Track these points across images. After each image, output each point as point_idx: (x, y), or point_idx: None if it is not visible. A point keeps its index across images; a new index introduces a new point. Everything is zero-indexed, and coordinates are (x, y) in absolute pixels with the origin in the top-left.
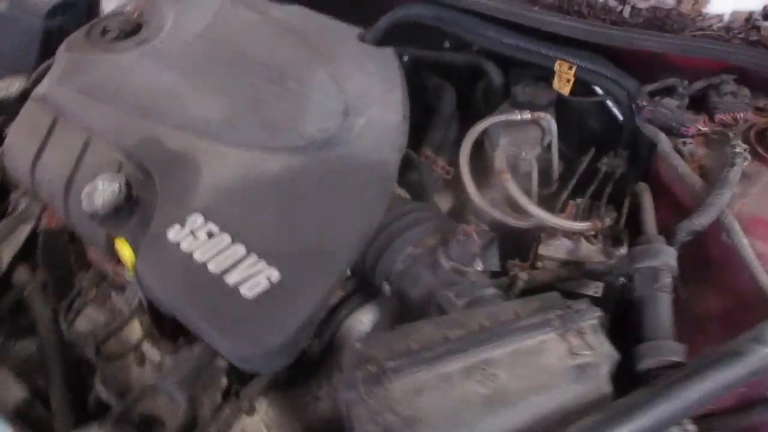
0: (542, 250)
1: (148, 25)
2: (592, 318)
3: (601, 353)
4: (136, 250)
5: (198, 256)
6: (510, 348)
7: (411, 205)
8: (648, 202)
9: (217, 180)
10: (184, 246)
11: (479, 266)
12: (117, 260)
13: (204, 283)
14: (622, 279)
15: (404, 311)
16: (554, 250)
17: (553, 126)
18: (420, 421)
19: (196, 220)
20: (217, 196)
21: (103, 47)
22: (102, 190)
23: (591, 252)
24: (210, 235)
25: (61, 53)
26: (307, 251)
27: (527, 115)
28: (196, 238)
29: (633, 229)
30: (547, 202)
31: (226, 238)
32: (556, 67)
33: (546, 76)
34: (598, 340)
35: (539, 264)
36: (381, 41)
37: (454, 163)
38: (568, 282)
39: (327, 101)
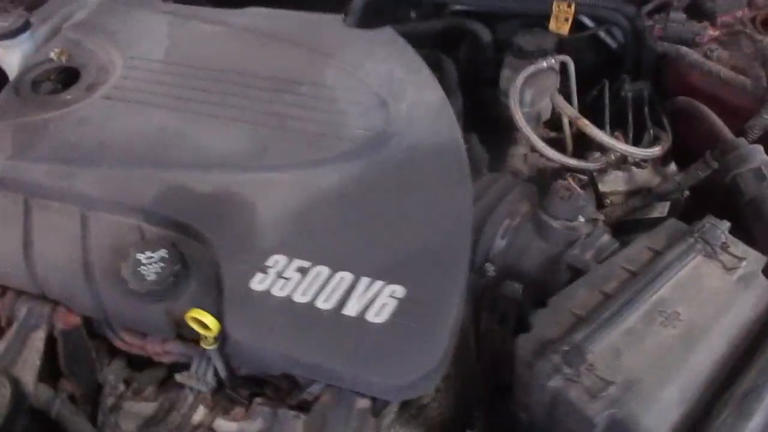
0: (603, 187)
1: (87, 67)
2: (724, 230)
3: (753, 259)
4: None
5: (300, 298)
6: (671, 283)
7: (484, 179)
8: (708, 111)
9: (279, 211)
10: (278, 292)
11: (582, 218)
12: (172, 337)
13: (319, 324)
14: (687, 193)
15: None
16: (613, 184)
17: (572, 66)
18: (636, 380)
19: (278, 261)
20: (288, 229)
21: (47, 103)
22: (149, 264)
23: (646, 176)
24: (302, 271)
25: None
26: (420, 254)
27: (552, 61)
28: (288, 279)
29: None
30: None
31: (324, 270)
32: (554, 8)
33: (533, 24)
34: (741, 249)
35: (606, 202)
36: (360, 24)
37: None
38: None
39: (355, 96)
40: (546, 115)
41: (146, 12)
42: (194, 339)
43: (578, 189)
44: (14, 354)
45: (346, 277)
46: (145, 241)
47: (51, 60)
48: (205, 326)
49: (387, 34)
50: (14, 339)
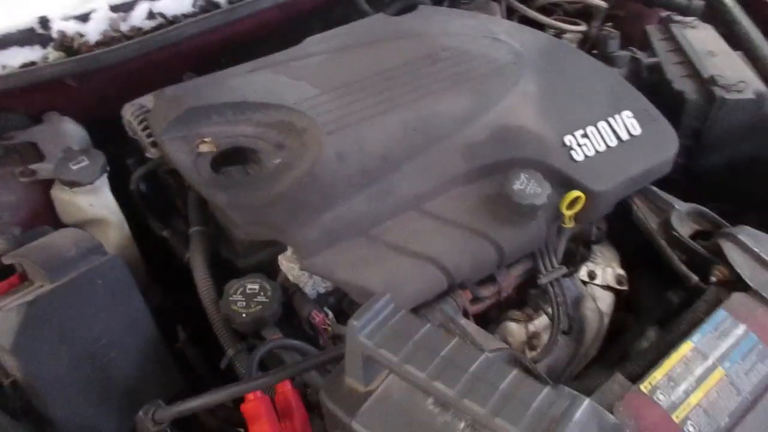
0: None
1: (241, 140)
2: None
3: None
4: None
5: (603, 147)
6: None
7: None
8: None
9: (530, 117)
10: (590, 152)
11: None
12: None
13: (622, 152)
14: None
15: None
16: None
17: None
18: None
19: (570, 139)
20: (548, 123)
21: (269, 178)
22: (526, 185)
23: None
24: (584, 135)
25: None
26: (612, 91)
27: None
28: (584, 143)
29: None
30: None
31: (591, 128)
32: None
33: None
34: None
35: None
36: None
37: None
38: None
39: (475, 43)
40: None
41: (239, 78)
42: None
43: None
44: None
45: (604, 124)
46: (510, 174)
47: (202, 153)
48: (574, 204)
49: (429, 9)
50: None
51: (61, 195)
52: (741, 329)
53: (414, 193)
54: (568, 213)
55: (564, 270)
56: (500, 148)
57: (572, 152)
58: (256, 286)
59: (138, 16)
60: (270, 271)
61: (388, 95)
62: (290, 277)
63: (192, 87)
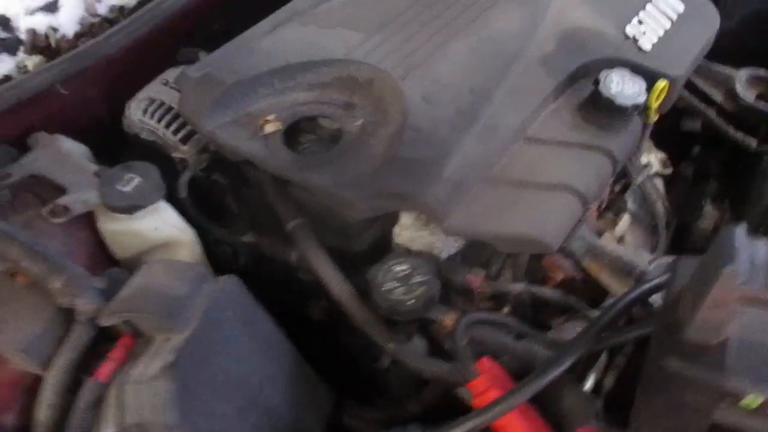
0: None
1: (295, 110)
2: None
3: None
4: None
5: (657, 35)
6: None
7: None
8: None
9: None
10: (651, 39)
11: None
12: None
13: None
14: None
15: None
16: None
17: None
18: None
19: (633, 27)
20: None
21: (353, 145)
22: (622, 84)
23: None
24: (641, 22)
25: None
26: None
27: None
28: (646, 26)
29: None
30: None
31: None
32: None
33: None
34: None
35: None
36: None
37: None
38: None
39: None
40: None
41: (266, 39)
42: None
43: None
44: None
45: (651, 7)
46: (602, 77)
47: (269, 135)
48: (660, 95)
49: None
50: None
51: (113, 226)
52: None
53: (517, 122)
54: (655, 105)
55: (653, 166)
56: (574, 54)
57: (639, 42)
58: (406, 266)
59: None
60: (382, 247)
61: (439, 23)
62: (416, 247)
63: (219, 60)
